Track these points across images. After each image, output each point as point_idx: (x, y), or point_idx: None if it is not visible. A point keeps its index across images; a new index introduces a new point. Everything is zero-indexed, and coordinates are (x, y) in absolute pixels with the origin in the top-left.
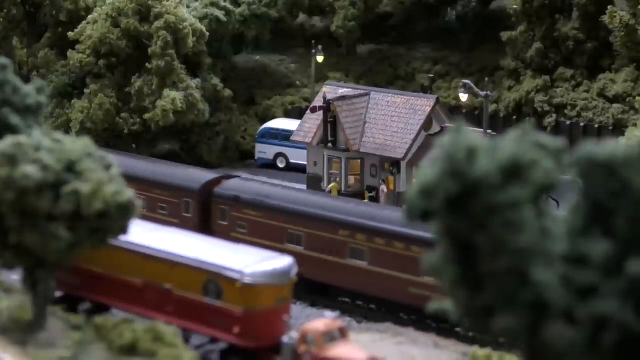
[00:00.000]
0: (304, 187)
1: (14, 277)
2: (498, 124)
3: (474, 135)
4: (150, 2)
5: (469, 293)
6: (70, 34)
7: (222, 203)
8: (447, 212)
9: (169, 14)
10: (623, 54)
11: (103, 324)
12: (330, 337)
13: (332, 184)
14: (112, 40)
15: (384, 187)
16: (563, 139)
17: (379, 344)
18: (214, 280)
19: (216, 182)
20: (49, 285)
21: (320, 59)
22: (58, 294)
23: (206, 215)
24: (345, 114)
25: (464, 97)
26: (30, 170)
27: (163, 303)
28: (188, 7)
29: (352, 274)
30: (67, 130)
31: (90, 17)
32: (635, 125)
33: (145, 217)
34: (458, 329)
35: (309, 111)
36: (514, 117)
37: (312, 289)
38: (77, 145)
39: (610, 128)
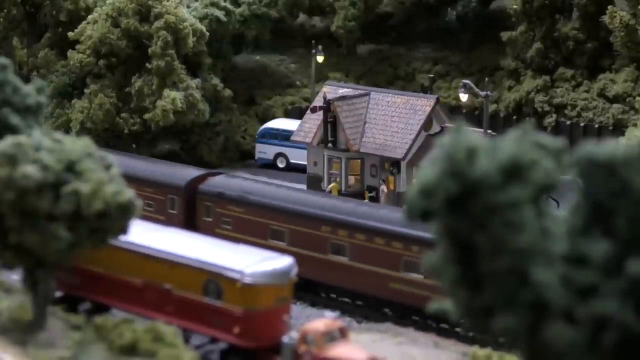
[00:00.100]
0: (304, 187)
1: (14, 277)
2: (498, 124)
3: (474, 135)
4: (150, 2)
5: (469, 293)
6: (70, 34)
7: (206, 200)
8: (447, 212)
9: (169, 14)
10: (623, 54)
11: (103, 324)
12: (330, 337)
13: (332, 184)
14: (112, 40)
15: (384, 187)
16: (563, 139)
17: (379, 344)
18: (214, 280)
19: (201, 179)
20: (49, 285)
21: (320, 59)
22: (58, 294)
23: (191, 211)
24: (345, 114)
25: (464, 97)
26: (30, 170)
27: (163, 303)
28: (188, 7)
29: (333, 269)
30: (67, 130)
31: (90, 17)
32: (635, 125)
33: None
34: (458, 329)
35: (309, 111)
36: (514, 117)
37: (296, 285)
38: (77, 145)
39: (610, 128)
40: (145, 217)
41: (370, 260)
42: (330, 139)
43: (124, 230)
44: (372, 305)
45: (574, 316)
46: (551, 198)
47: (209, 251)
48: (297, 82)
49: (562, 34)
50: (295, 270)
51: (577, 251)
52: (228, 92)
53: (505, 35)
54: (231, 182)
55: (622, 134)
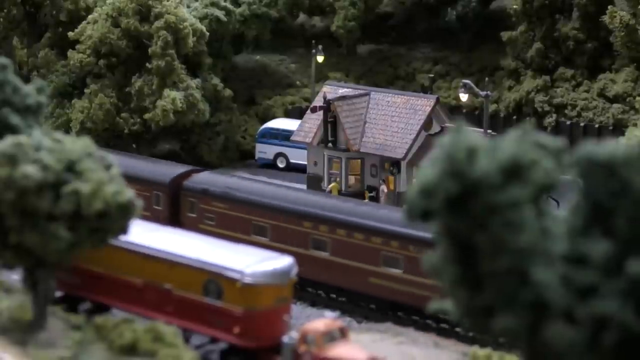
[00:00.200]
0: (304, 186)
1: (14, 277)
2: (498, 124)
3: (474, 135)
4: (150, 2)
5: (469, 293)
6: (70, 33)
7: (190, 196)
8: (447, 212)
9: (169, 13)
10: (623, 54)
11: (103, 324)
12: (330, 337)
13: (332, 184)
14: (112, 40)
15: (384, 187)
16: (563, 139)
17: (379, 344)
18: (214, 280)
19: (186, 175)
20: (49, 285)
21: (320, 58)
22: (58, 294)
23: (175, 207)
24: (345, 113)
25: (464, 97)
26: (30, 170)
27: (163, 303)
28: (188, 7)
29: (315, 264)
30: (67, 130)
31: (90, 17)
32: (635, 125)
33: None
34: (458, 329)
35: (309, 111)
36: (514, 117)
37: None
38: (77, 145)
39: (610, 128)
40: None
41: (350, 255)
42: (330, 138)
43: (124, 230)
44: (353, 301)
45: (574, 316)
46: (551, 198)
47: (209, 251)
48: (297, 82)
49: (562, 34)
50: (295, 270)
51: (577, 251)
52: (228, 92)
53: (505, 35)
54: (215, 178)
55: (622, 134)
